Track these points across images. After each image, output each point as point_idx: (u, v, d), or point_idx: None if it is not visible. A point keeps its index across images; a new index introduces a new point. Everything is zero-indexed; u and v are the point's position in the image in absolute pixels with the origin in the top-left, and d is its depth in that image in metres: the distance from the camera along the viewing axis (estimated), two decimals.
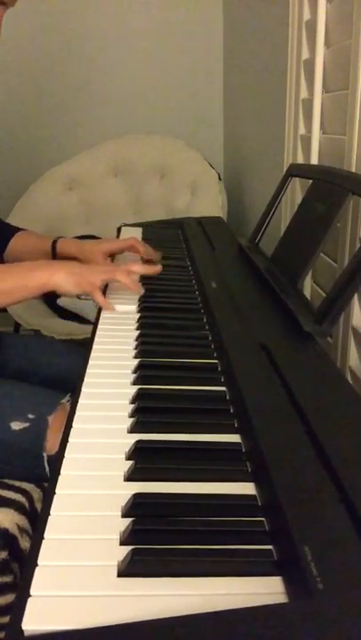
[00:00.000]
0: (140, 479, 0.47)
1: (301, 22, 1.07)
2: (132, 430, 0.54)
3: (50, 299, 1.79)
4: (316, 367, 0.63)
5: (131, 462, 0.49)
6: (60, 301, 1.75)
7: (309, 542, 0.37)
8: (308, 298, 1.01)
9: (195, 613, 0.33)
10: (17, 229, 1.18)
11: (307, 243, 0.84)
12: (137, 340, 0.75)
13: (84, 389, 0.62)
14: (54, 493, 0.45)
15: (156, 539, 0.40)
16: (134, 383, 0.63)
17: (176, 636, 0.32)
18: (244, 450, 0.52)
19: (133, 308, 0.87)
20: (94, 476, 0.47)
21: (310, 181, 0.93)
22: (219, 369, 0.67)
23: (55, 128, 2.23)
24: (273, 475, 0.44)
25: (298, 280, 0.81)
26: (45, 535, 0.41)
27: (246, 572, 0.38)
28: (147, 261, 1.09)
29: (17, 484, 0.79)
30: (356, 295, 0.86)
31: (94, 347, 0.73)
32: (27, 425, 0.80)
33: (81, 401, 0.59)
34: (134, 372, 0.66)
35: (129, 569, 0.38)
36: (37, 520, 0.43)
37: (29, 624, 0.34)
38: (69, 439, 0.53)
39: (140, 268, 0.91)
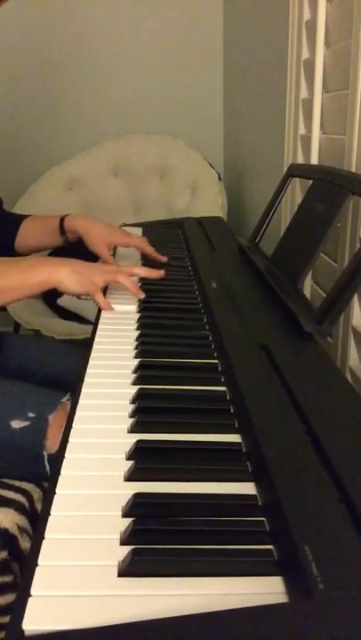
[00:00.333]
0: (141, 479, 0.47)
1: (301, 22, 1.08)
2: (133, 430, 0.54)
3: (50, 298, 1.79)
4: (316, 367, 0.63)
5: (131, 462, 0.49)
6: (60, 301, 1.75)
7: (310, 542, 0.37)
8: (309, 298, 1.01)
9: (195, 613, 0.33)
10: (22, 217, 1.17)
11: (307, 243, 0.84)
12: (137, 340, 0.75)
13: (84, 389, 0.62)
14: (54, 493, 0.45)
15: (156, 539, 0.40)
16: (134, 383, 0.63)
17: (176, 635, 0.32)
18: (244, 450, 0.52)
19: (133, 308, 0.87)
20: (95, 476, 0.47)
21: (310, 181, 0.93)
22: (219, 369, 0.67)
23: (55, 128, 2.23)
24: (273, 475, 0.44)
25: (298, 280, 0.81)
26: (46, 535, 0.41)
27: (247, 571, 0.38)
28: (149, 262, 1.09)
29: (17, 483, 0.79)
30: (356, 295, 0.86)
31: (94, 347, 0.73)
32: (27, 424, 0.80)
33: (81, 401, 0.59)
34: (134, 371, 0.66)
35: (129, 569, 0.38)
36: (37, 520, 0.43)
37: (30, 624, 0.34)
38: (70, 439, 0.53)
39: (143, 272, 0.91)
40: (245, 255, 1.04)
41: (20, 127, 2.22)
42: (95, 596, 0.36)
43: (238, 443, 0.53)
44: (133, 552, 0.38)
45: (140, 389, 0.61)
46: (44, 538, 0.41)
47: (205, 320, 0.82)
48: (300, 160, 1.15)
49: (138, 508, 0.43)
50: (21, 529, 0.72)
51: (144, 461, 0.49)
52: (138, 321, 0.82)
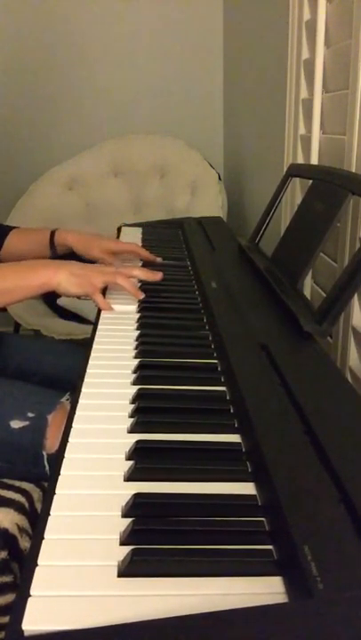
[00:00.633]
0: (141, 479, 0.47)
1: (301, 22, 1.07)
2: (133, 430, 0.54)
3: (50, 299, 1.79)
4: (316, 367, 0.63)
5: (131, 462, 0.49)
6: (60, 301, 1.75)
7: (309, 542, 0.37)
8: (309, 298, 1.01)
9: (195, 613, 0.33)
10: (10, 228, 1.18)
11: (307, 243, 0.84)
12: (137, 340, 0.75)
13: (84, 389, 0.62)
14: (54, 493, 0.45)
15: (156, 539, 0.40)
16: (134, 383, 0.63)
17: (176, 635, 0.32)
18: (244, 450, 0.52)
19: (133, 308, 0.87)
20: (94, 476, 0.47)
21: (310, 181, 0.93)
22: (219, 369, 0.67)
23: (55, 128, 2.23)
24: (273, 475, 0.44)
25: (298, 280, 0.81)
26: (45, 535, 0.41)
27: (246, 571, 0.38)
28: (148, 263, 1.09)
29: (17, 483, 0.79)
30: (356, 295, 0.86)
31: (94, 347, 0.73)
32: (26, 424, 0.80)
33: (81, 401, 0.59)
34: (134, 372, 0.66)
35: (129, 569, 0.38)
36: (37, 520, 0.43)
37: (29, 624, 0.34)
38: (69, 439, 0.53)
39: (141, 274, 0.91)
40: (245, 255, 1.04)
41: (20, 127, 2.22)
42: (95, 596, 0.36)
43: (238, 443, 0.53)
44: (133, 552, 0.38)
45: (139, 389, 0.61)
46: (43, 538, 0.41)
47: (205, 320, 0.82)
48: (300, 160, 1.15)
49: (138, 508, 0.43)
50: (21, 529, 0.72)
51: (144, 461, 0.49)
52: (138, 321, 0.82)
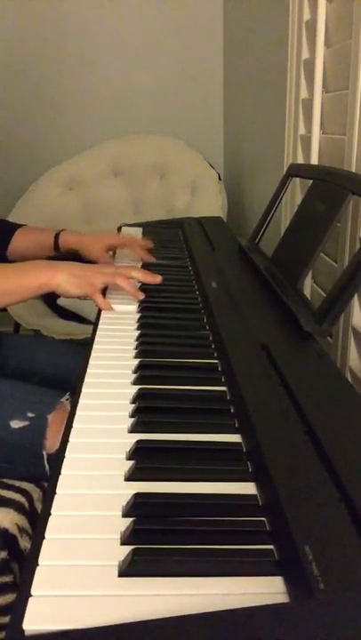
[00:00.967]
0: (141, 479, 0.47)
1: (301, 22, 1.08)
2: (133, 430, 0.54)
3: (50, 299, 1.79)
4: (317, 367, 0.63)
5: (131, 462, 0.49)
6: (60, 301, 1.75)
7: (310, 542, 0.37)
8: (309, 298, 1.01)
9: (195, 613, 0.33)
10: (17, 225, 1.20)
11: (307, 243, 0.84)
12: (137, 339, 0.75)
13: (84, 389, 0.62)
14: (55, 493, 0.45)
15: (156, 539, 0.40)
16: (135, 383, 0.63)
17: (176, 635, 0.32)
18: (244, 450, 0.52)
19: (133, 308, 0.87)
20: (95, 476, 0.47)
21: (310, 181, 0.93)
22: (219, 369, 0.67)
23: (55, 128, 2.23)
24: (273, 474, 0.44)
25: (298, 280, 0.81)
26: (46, 535, 0.41)
27: (247, 571, 0.38)
28: (148, 265, 1.09)
29: (17, 483, 0.79)
30: (356, 295, 0.86)
31: (95, 347, 0.73)
32: (26, 423, 0.80)
33: (81, 401, 0.59)
34: (135, 371, 0.66)
35: (130, 569, 0.38)
36: (37, 520, 0.43)
37: (30, 624, 0.34)
38: (70, 439, 0.53)
39: (141, 275, 0.91)
40: (245, 255, 1.04)
41: (20, 127, 2.22)
42: (95, 595, 0.36)
43: (238, 443, 0.53)
44: (134, 552, 0.38)
45: (140, 389, 0.61)
46: (44, 537, 0.41)
47: (205, 320, 0.82)
48: (300, 160, 1.15)
49: (138, 507, 0.43)
50: (21, 529, 0.72)
51: (144, 461, 0.49)
52: (138, 321, 0.82)
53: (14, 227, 1.21)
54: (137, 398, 0.60)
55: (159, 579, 0.37)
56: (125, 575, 0.37)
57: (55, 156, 2.07)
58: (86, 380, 0.64)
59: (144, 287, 0.91)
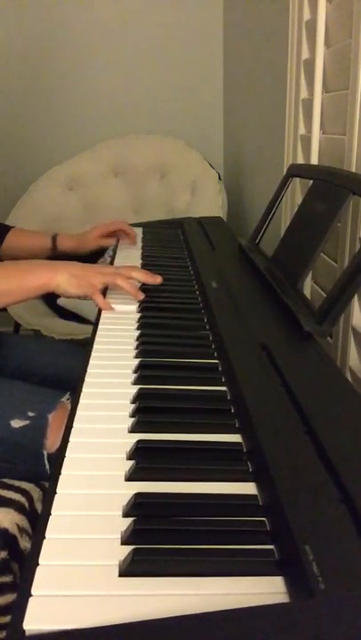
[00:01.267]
0: (141, 479, 0.47)
1: (301, 22, 1.08)
2: (133, 430, 0.54)
3: (50, 299, 1.79)
4: (317, 367, 0.63)
5: (132, 462, 0.49)
6: (60, 301, 1.75)
7: (310, 542, 0.37)
8: (309, 298, 1.01)
9: (195, 613, 0.33)
10: (9, 227, 1.22)
11: (307, 243, 0.84)
12: (137, 339, 0.75)
13: (84, 389, 0.62)
14: (55, 493, 0.45)
15: (157, 538, 0.40)
16: (135, 383, 0.64)
17: (176, 635, 0.32)
18: (244, 450, 0.52)
19: (134, 307, 0.87)
20: (95, 476, 0.47)
21: (310, 181, 0.93)
22: (219, 369, 0.67)
23: (55, 128, 2.23)
24: (274, 474, 0.44)
25: (298, 280, 0.81)
26: (47, 535, 0.41)
27: (247, 571, 0.38)
28: (148, 266, 1.09)
29: (17, 483, 0.79)
30: (356, 295, 0.86)
31: (95, 346, 0.73)
32: (27, 423, 0.80)
33: (82, 401, 0.59)
34: (135, 371, 0.66)
35: (130, 569, 0.38)
36: (38, 520, 0.43)
37: (30, 624, 0.34)
38: (70, 439, 0.53)
39: (141, 276, 0.91)
40: (245, 255, 1.04)
41: (19, 127, 2.22)
42: (96, 595, 0.36)
43: (239, 443, 0.53)
44: (134, 552, 0.38)
45: (140, 389, 0.61)
46: (44, 537, 0.41)
47: (205, 320, 0.82)
48: (300, 160, 1.15)
49: (138, 507, 0.43)
50: (21, 529, 0.72)
51: (145, 461, 0.49)
52: (138, 321, 0.82)
53: (7, 228, 1.23)
54: (137, 398, 0.60)
55: (159, 579, 0.37)
56: (126, 575, 0.37)
57: (55, 156, 2.07)
58: (86, 379, 0.64)
59: (144, 287, 0.91)
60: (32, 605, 0.35)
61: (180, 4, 2.11)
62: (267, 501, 0.44)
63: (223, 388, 0.63)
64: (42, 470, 0.80)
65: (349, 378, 0.92)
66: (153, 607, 0.35)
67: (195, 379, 0.64)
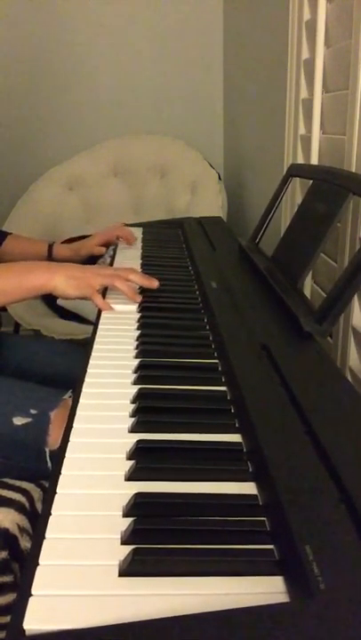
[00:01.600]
0: (141, 479, 0.47)
1: (301, 22, 1.08)
2: (133, 430, 0.54)
3: (50, 299, 1.79)
4: (317, 367, 0.63)
5: (132, 462, 0.49)
6: (60, 301, 1.75)
7: (311, 542, 0.37)
8: (309, 298, 1.01)
9: (195, 613, 0.33)
10: (7, 233, 1.23)
11: (307, 243, 0.84)
12: (137, 339, 0.75)
13: (84, 389, 0.62)
14: (55, 493, 0.45)
15: (157, 538, 0.40)
16: (135, 383, 0.64)
17: (176, 635, 0.32)
18: (244, 450, 0.52)
19: (134, 308, 0.87)
20: (95, 476, 0.47)
21: (310, 181, 0.93)
22: (219, 369, 0.67)
23: (55, 128, 2.23)
24: (274, 474, 0.44)
25: (298, 280, 0.81)
26: (47, 534, 0.41)
27: (247, 571, 0.38)
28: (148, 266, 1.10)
29: (17, 483, 0.79)
30: (356, 295, 0.86)
31: (95, 346, 0.73)
32: (29, 420, 0.80)
33: (82, 401, 0.59)
34: (135, 371, 0.66)
35: (130, 568, 0.38)
36: (38, 520, 0.43)
37: (31, 623, 0.34)
38: (70, 439, 0.53)
39: (138, 279, 0.90)
40: (245, 255, 1.04)
41: (20, 127, 2.22)
42: (96, 595, 0.36)
43: (239, 442, 0.53)
44: (134, 552, 0.38)
45: (140, 389, 0.61)
46: (45, 537, 0.41)
47: (205, 320, 0.82)
48: (300, 160, 1.15)
49: (138, 507, 0.43)
50: (21, 529, 0.72)
51: (145, 461, 0.49)
52: (138, 321, 0.82)
53: (4, 234, 1.24)
54: (137, 398, 0.60)
55: (159, 579, 0.37)
56: (126, 575, 0.37)
57: (55, 156, 2.07)
58: (87, 379, 0.64)
59: (144, 288, 0.91)
60: (32, 605, 0.35)
61: (180, 5, 2.11)
62: (267, 501, 0.44)
63: (223, 388, 0.63)
64: (44, 468, 0.80)
65: (349, 378, 0.92)
66: (153, 607, 0.35)
67: (195, 379, 0.64)
